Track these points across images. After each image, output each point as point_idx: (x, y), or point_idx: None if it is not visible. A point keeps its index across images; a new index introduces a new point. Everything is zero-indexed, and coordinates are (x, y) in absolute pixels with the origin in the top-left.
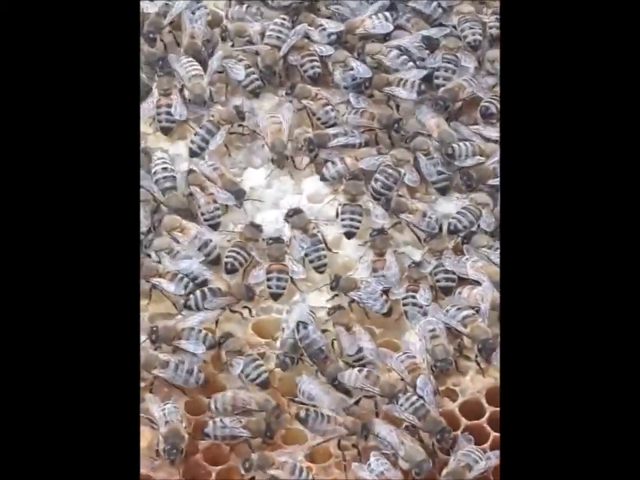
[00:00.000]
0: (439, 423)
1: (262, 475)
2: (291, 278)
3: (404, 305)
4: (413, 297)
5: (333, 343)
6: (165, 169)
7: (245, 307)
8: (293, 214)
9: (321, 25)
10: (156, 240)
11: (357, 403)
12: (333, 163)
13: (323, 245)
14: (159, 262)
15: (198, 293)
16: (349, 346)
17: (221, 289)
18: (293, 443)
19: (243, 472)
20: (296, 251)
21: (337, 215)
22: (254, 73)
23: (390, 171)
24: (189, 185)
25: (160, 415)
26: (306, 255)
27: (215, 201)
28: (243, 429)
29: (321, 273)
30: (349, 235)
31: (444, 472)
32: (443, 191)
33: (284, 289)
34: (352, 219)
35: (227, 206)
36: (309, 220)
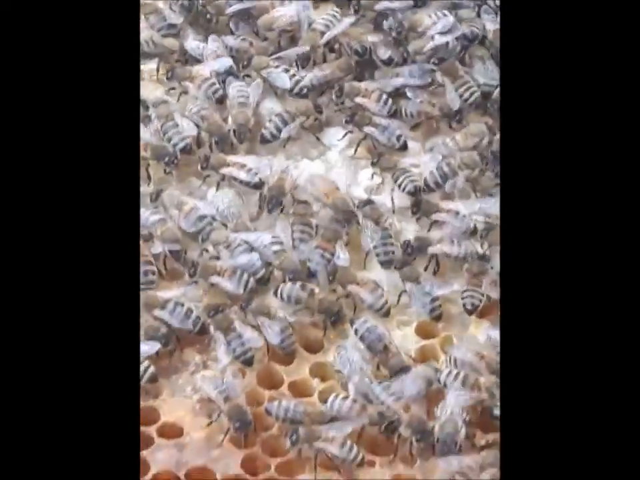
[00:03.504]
0: None
1: (308, 448)
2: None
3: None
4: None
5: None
6: None
7: (324, 323)
8: (365, 205)
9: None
10: (213, 233)
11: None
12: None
13: (393, 240)
14: (217, 258)
15: (289, 284)
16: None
17: (314, 291)
18: None
19: (289, 445)
20: (365, 242)
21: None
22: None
23: (446, 170)
24: None
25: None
26: (374, 247)
27: None
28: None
29: (386, 268)
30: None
31: None
32: None
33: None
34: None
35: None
36: (381, 212)
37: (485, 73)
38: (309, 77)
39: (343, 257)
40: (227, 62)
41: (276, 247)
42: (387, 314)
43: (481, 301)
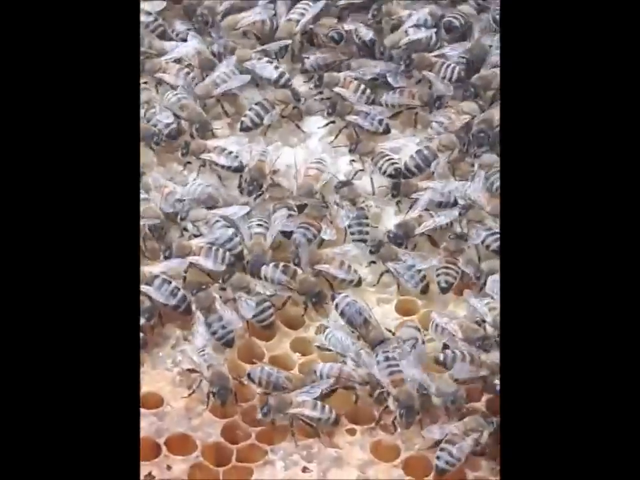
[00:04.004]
0: None
1: (282, 418)
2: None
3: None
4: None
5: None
6: None
7: (304, 303)
8: (342, 186)
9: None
10: (192, 211)
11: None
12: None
13: (368, 221)
14: (195, 235)
15: (271, 267)
16: None
17: (297, 273)
18: None
19: (261, 416)
20: (340, 220)
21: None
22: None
23: (426, 153)
24: None
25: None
26: (349, 226)
27: None
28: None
29: (360, 248)
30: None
31: None
32: None
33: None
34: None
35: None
36: (358, 193)
37: (456, 48)
38: (311, 59)
39: (329, 232)
40: (195, 43)
41: (258, 229)
42: (358, 284)
43: (455, 278)
